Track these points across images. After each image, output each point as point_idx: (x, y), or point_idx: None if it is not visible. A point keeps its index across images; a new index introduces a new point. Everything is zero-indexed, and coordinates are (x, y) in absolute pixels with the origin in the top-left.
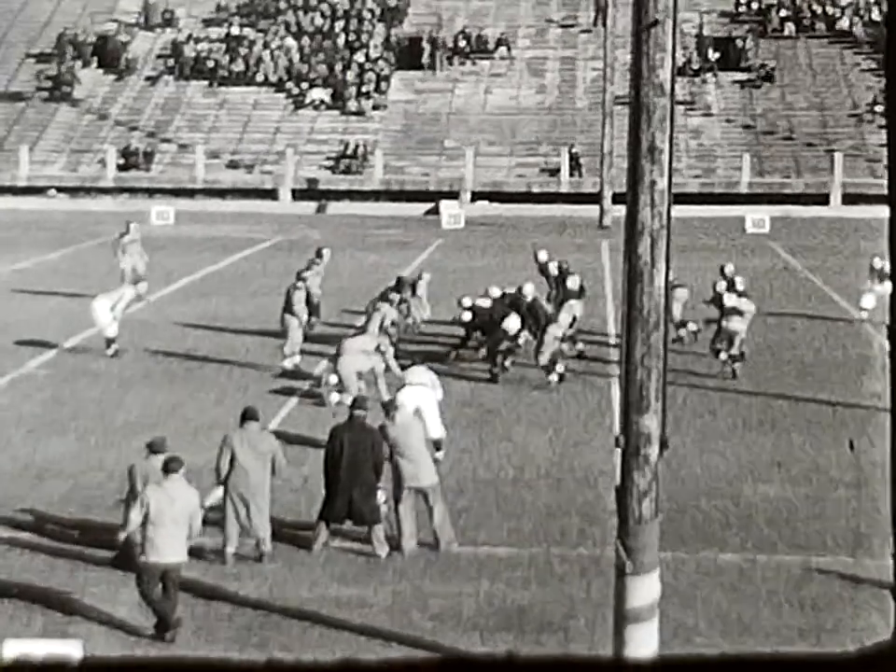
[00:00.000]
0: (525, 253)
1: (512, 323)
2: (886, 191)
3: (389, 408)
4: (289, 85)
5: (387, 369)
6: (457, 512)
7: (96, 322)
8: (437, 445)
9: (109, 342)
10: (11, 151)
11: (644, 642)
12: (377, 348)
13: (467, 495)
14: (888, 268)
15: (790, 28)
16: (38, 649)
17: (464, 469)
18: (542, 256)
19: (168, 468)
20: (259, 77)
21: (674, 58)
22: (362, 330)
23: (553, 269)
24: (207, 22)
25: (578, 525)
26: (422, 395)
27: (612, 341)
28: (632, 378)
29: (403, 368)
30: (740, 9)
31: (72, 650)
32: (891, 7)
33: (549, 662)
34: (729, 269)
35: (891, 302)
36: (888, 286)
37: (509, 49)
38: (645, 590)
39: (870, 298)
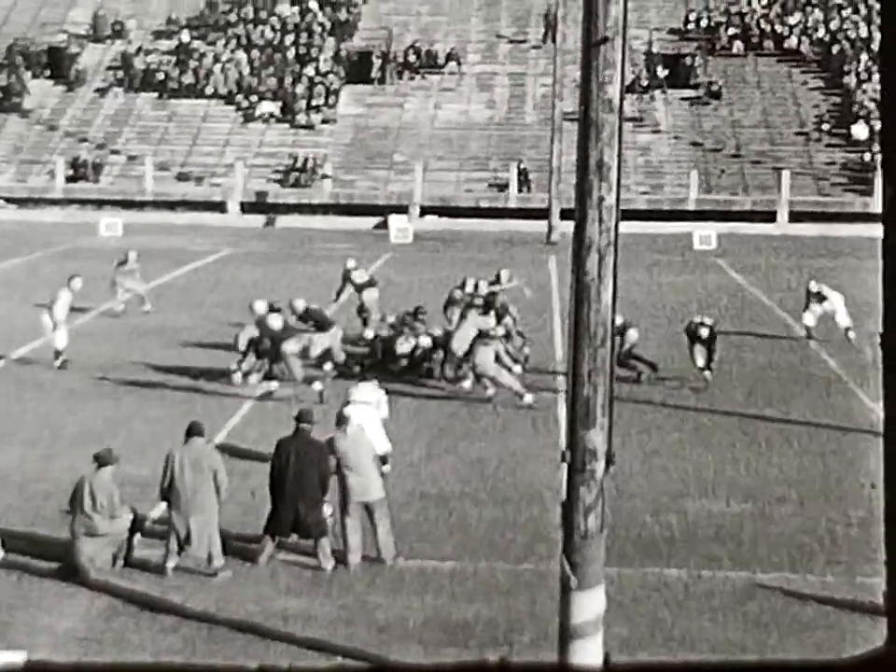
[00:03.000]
0: (472, 267)
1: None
2: (879, 209)
3: (341, 420)
4: (239, 98)
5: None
6: (403, 526)
7: (44, 331)
8: (383, 459)
9: (57, 353)
10: None
11: (589, 657)
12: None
13: (412, 508)
14: (825, 290)
15: (738, 46)
16: None
17: (410, 483)
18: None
19: None
20: (209, 90)
21: (623, 75)
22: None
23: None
24: (157, 35)
25: (523, 539)
26: (364, 413)
27: (559, 356)
28: (578, 393)
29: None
30: (689, 27)
31: (16, 660)
32: (885, 13)
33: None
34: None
35: (884, 314)
36: (827, 305)
37: (458, 63)
38: (590, 605)
39: (810, 316)
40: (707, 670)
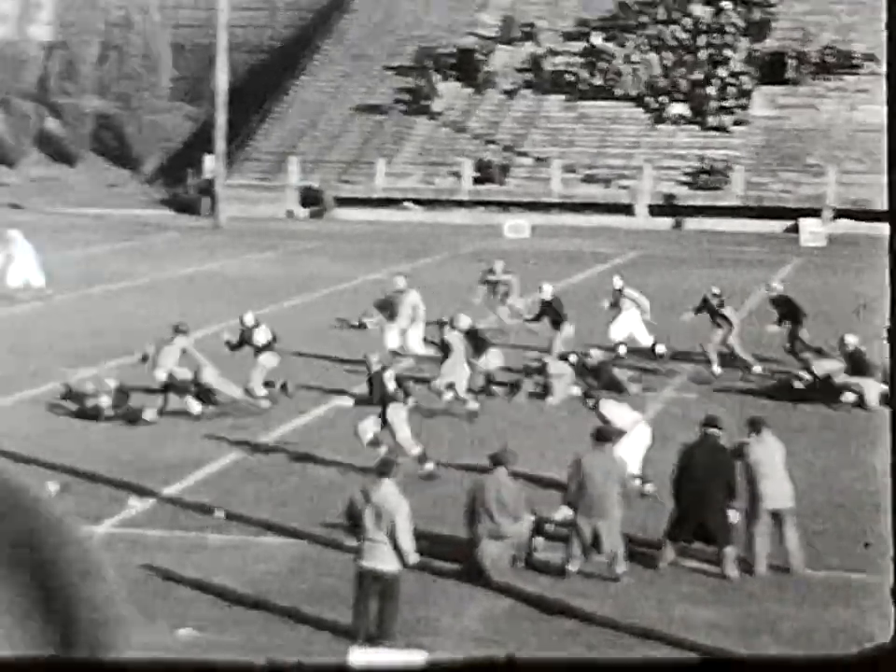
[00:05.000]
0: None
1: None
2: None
3: (759, 424)
4: (649, 99)
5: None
6: (811, 536)
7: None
8: (644, 478)
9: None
10: (368, 164)
11: None
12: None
13: (821, 518)
14: (630, 292)
15: None
16: (384, 658)
17: (818, 492)
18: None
19: (380, 471)
20: (619, 92)
21: None
22: None
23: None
24: (567, 36)
25: None
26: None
27: None
28: None
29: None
30: None
31: (417, 659)
32: (891, 16)
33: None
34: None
35: (891, 305)
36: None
37: (877, 63)
38: None
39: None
40: (709, 666)
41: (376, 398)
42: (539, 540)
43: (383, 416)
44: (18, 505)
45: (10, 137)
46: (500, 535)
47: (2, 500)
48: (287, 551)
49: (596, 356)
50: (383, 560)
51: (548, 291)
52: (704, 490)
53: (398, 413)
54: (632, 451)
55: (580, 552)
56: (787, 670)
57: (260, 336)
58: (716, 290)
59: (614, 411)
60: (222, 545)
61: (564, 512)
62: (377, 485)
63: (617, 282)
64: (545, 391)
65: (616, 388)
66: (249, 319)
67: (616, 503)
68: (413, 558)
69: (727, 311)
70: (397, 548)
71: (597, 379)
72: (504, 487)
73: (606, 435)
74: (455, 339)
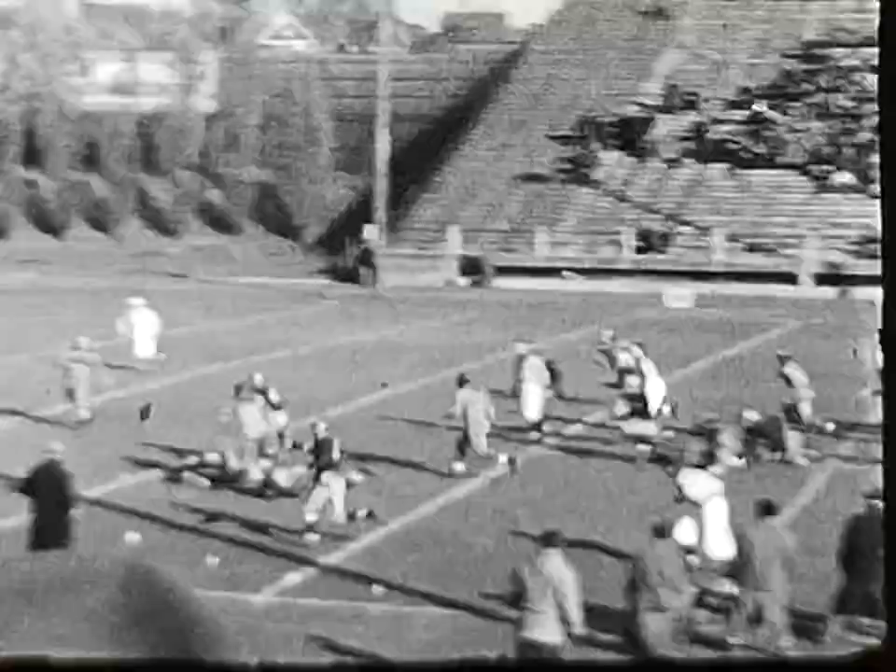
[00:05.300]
0: None
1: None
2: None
3: None
4: (813, 168)
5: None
6: None
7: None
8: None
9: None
10: (529, 232)
11: None
12: None
13: None
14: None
15: None
16: None
17: None
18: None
19: (546, 541)
20: (782, 160)
21: None
22: None
23: None
24: (730, 104)
25: None
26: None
27: None
28: None
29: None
30: None
31: None
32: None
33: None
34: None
35: (883, 309)
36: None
37: None
38: None
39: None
40: (708, 668)
41: (321, 463)
42: (701, 613)
43: (317, 480)
44: (165, 602)
45: (172, 207)
46: (661, 607)
47: (151, 597)
48: (446, 621)
49: (751, 417)
50: (546, 631)
51: (623, 359)
52: (870, 563)
53: (336, 483)
54: (695, 525)
55: (742, 625)
56: (787, 671)
57: (274, 396)
58: (781, 352)
59: (692, 481)
60: (381, 615)
61: (726, 585)
62: (544, 555)
63: (636, 351)
64: (710, 459)
65: (780, 450)
66: (259, 380)
67: (779, 576)
68: (581, 629)
69: (787, 370)
70: (563, 619)
71: (767, 439)
72: (665, 559)
73: (770, 508)
74: (470, 397)
